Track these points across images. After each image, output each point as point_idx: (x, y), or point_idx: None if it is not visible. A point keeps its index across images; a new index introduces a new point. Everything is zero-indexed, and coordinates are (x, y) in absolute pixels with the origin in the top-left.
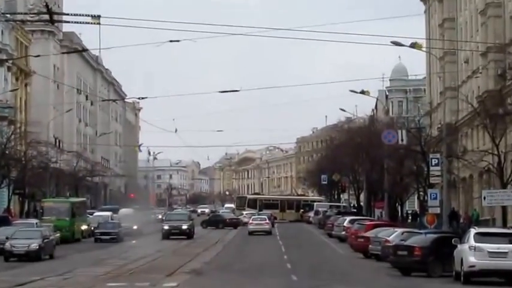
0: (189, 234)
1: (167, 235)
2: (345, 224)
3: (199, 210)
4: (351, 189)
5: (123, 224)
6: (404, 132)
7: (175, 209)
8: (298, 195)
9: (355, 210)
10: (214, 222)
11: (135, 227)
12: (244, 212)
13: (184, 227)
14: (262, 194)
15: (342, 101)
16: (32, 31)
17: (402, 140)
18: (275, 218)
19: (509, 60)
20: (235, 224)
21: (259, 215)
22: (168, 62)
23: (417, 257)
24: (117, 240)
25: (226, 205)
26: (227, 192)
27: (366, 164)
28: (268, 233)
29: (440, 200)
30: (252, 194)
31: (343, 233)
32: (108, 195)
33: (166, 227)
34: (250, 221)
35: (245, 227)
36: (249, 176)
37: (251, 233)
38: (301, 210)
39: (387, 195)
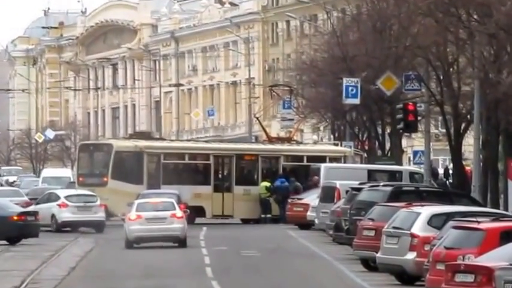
0: None
1: None
2: (414, 229)
3: None
4: (433, 122)
5: None
6: None
7: None
8: (269, 140)
9: (447, 182)
10: None
11: None
12: (62, 196)
13: None
14: (161, 139)
15: None
16: None
17: None
18: (198, 212)
19: None
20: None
21: (146, 197)
22: None
23: None
24: None
25: (49, 171)
26: (50, 135)
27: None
28: (179, 242)
29: None
30: (129, 137)
31: (412, 256)
32: None
33: None
34: (132, 215)
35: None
36: (120, 79)
37: (134, 242)
38: (267, 184)
39: None
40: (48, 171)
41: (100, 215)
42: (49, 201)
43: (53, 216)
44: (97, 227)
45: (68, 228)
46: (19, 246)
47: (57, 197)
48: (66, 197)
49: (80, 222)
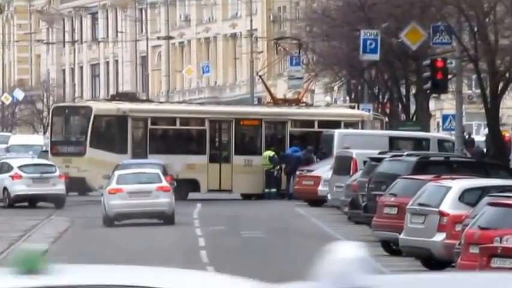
0: None
1: None
2: (443, 206)
3: None
4: (465, 81)
5: None
6: None
7: None
8: (274, 102)
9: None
10: None
11: None
12: (16, 165)
13: None
14: (149, 100)
15: None
16: None
17: None
18: (191, 186)
19: None
20: None
21: (127, 168)
22: None
23: None
24: None
25: (17, 138)
26: (18, 96)
27: None
28: (166, 218)
29: None
30: (110, 99)
31: (440, 237)
32: None
33: None
34: (113, 187)
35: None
36: (101, 31)
37: (115, 219)
38: (270, 154)
39: None
40: (16, 138)
41: (59, 188)
42: (1, 172)
43: (5, 189)
44: (56, 201)
45: (24, 204)
46: None
47: (10, 167)
48: (20, 167)
49: (36, 195)
